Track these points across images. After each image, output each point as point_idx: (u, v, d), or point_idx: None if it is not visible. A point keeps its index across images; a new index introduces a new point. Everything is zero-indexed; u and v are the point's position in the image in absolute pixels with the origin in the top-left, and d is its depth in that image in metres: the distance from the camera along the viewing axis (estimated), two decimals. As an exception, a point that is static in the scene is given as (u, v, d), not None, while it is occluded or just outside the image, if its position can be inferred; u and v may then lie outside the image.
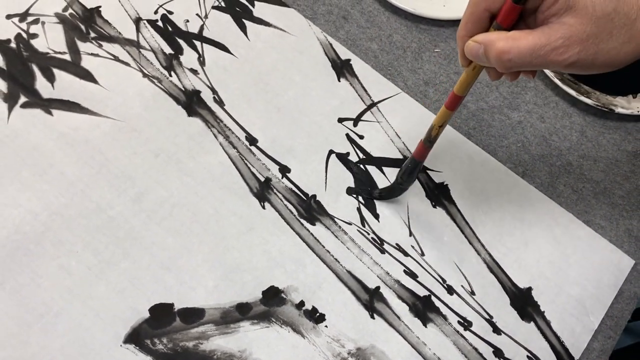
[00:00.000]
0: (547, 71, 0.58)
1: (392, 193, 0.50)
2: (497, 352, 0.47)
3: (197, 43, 0.55)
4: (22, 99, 0.49)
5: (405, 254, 0.49)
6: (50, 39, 0.52)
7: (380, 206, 0.51)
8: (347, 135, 0.53)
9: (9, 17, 0.52)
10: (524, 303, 0.49)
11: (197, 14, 0.56)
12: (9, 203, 0.45)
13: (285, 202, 0.49)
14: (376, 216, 0.50)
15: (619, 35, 0.34)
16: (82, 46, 0.52)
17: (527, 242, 0.51)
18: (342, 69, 0.56)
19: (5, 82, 0.49)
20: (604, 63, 0.35)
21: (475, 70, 0.39)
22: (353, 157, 0.52)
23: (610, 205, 0.55)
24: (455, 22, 0.60)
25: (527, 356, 0.47)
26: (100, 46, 0.53)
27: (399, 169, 0.54)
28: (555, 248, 0.52)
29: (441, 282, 0.49)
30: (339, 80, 0.56)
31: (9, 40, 0.51)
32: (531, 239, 0.52)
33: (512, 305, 0.49)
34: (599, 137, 0.58)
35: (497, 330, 0.48)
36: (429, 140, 0.44)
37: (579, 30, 0.33)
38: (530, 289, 0.50)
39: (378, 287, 0.47)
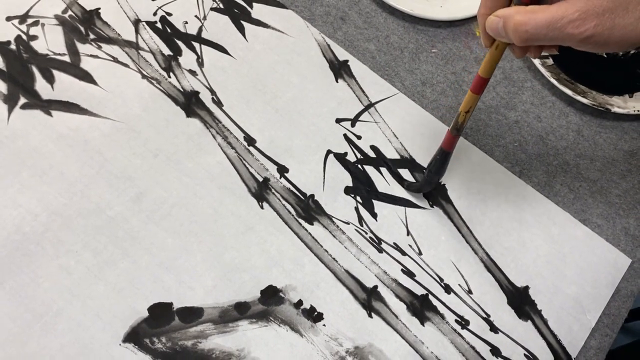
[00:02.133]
0: (543, 71, 0.58)
1: (423, 187, 0.50)
2: (495, 350, 0.47)
3: (196, 44, 0.55)
4: (22, 100, 0.50)
5: (403, 253, 0.49)
6: (50, 41, 0.52)
7: (378, 206, 0.51)
8: (345, 135, 0.53)
9: (9, 19, 0.53)
10: (521, 302, 0.49)
11: (195, 16, 0.56)
12: (8, 204, 0.46)
13: (284, 202, 0.49)
14: (374, 215, 0.50)
15: (635, 11, 0.34)
16: (82, 48, 0.53)
17: (524, 241, 0.52)
18: (339, 69, 0.56)
19: (5, 83, 0.50)
20: (620, 39, 0.35)
21: (499, 49, 0.39)
22: (351, 157, 0.52)
23: (606, 204, 0.55)
24: (452, 23, 0.61)
25: (525, 354, 0.47)
26: (99, 48, 0.53)
27: (395, 169, 0.54)
28: (552, 247, 0.52)
29: (438, 281, 0.49)
30: (337, 81, 0.56)
31: (9, 42, 0.52)
32: (528, 238, 0.52)
33: (509, 304, 0.49)
34: (595, 137, 0.58)
35: (494, 328, 0.48)
36: (456, 128, 0.44)
37: (595, 5, 0.34)
38: (527, 287, 0.50)
39: (376, 286, 0.48)
